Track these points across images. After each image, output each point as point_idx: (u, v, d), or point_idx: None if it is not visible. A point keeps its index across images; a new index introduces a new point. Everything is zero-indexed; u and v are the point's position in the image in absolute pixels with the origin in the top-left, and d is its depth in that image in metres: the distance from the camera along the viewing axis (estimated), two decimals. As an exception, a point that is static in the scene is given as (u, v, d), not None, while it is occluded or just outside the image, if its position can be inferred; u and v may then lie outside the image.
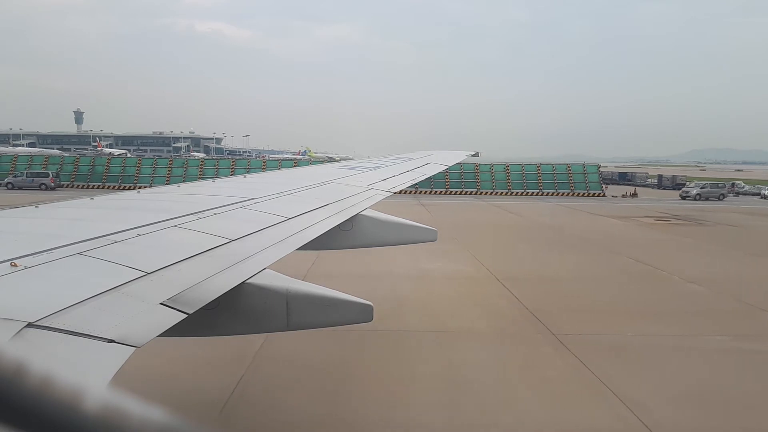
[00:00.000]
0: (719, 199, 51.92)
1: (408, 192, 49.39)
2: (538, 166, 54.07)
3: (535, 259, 19.79)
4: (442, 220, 30.60)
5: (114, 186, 47.30)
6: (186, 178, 47.27)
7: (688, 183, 61.11)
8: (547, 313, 12.47)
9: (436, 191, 50.58)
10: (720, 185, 55.31)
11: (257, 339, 7.79)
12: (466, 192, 51.13)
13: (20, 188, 46.46)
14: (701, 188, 52.92)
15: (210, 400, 7.96)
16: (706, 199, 51.36)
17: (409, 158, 12.89)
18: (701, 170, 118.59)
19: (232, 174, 43.33)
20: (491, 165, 53.79)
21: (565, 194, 50.86)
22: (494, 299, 13.91)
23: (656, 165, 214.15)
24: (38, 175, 48.46)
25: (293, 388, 8.46)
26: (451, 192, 50.99)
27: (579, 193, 51.14)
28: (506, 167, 53.53)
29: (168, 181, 43.26)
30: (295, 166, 43.25)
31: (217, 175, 48.95)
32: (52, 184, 47.22)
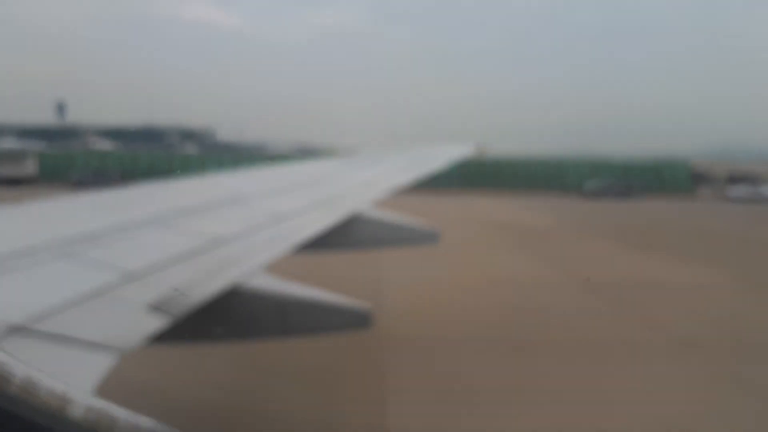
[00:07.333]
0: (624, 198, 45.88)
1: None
2: (625, 165, 52.43)
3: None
4: (588, 227, 28.37)
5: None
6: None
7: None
8: None
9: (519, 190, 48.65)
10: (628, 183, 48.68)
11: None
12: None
13: (87, 186, 43.10)
14: (604, 185, 47.68)
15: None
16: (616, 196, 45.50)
17: (412, 153, 12.69)
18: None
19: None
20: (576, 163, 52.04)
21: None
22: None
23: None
24: (105, 173, 45.28)
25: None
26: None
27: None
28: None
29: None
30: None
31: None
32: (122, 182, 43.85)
